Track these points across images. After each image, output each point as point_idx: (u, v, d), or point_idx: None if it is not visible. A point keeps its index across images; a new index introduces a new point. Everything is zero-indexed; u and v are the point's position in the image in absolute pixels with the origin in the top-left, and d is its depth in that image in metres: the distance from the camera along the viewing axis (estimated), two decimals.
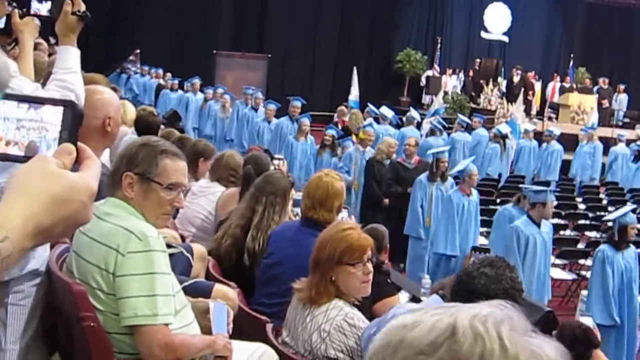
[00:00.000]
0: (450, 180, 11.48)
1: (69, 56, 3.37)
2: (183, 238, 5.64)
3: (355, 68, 22.58)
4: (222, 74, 25.74)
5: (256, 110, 17.45)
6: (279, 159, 8.43)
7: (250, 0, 27.47)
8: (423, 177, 11.33)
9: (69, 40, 3.39)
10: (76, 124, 1.28)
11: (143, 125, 7.68)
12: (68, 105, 1.28)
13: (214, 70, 25.66)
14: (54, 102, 1.30)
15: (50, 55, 10.26)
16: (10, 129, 1.28)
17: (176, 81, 21.24)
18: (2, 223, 1.13)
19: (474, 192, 10.94)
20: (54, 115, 1.27)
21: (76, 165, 1.26)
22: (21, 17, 3.99)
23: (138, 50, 25.16)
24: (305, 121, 14.83)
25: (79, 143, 1.28)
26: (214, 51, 26.30)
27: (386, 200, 12.18)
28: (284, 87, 23.96)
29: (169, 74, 22.49)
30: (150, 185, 3.43)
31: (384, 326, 3.31)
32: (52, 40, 7.23)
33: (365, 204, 12.63)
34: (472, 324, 0.91)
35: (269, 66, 26.75)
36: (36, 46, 10.81)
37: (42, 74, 6.14)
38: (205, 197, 6.77)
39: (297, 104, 15.85)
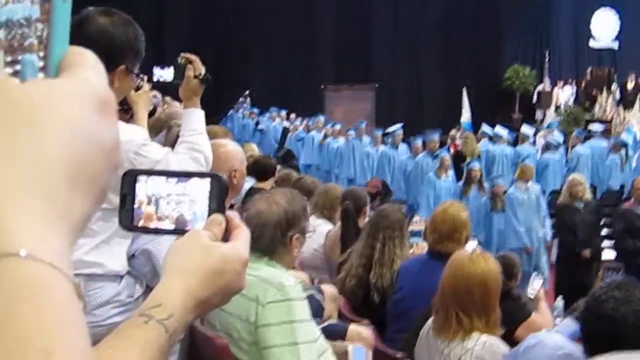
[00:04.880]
0: None
1: (194, 118, 3.48)
2: (312, 280, 5.70)
3: (464, 89, 22.43)
4: (331, 108, 25.88)
5: (396, 147, 16.84)
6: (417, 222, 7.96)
7: (351, 32, 27.63)
8: None
9: (192, 104, 3.51)
10: (223, 195, 1.32)
11: (261, 170, 7.78)
12: (214, 177, 1.32)
13: (323, 104, 25.84)
14: (200, 175, 1.35)
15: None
16: (161, 204, 1.33)
17: (304, 121, 21.19)
18: (165, 301, 1.17)
19: None
20: (201, 188, 1.32)
21: (226, 234, 1.29)
22: (135, 89, 4.17)
23: (248, 92, 25.60)
24: (446, 156, 13.89)
25: (227, 212, 1.32)
26: (322, 86, 26.53)
27: (586, 252, 10.25)
28: (393, 115, 23.92)
29: (292, 115, 22.49)
30: (304, 237, 3.59)
31: (519, 357, 3.29)
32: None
33: (562, 256, 10.84)
34: None
35: (376, 96, 26.81)
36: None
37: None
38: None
39: (435, 137, 15.31)
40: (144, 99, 4.31)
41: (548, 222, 11.72)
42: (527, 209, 11.43)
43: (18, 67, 0.72)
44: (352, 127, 18.79)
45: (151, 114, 4.64)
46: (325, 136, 19.19)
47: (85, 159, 0.66)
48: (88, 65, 0.72)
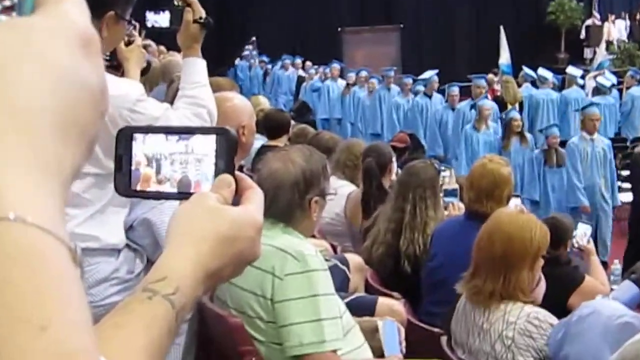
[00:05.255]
0: None
1: (195, 69, 3.47)
2: (335, 248, 5.71)
3: (501, 27, 22.22)
4: (351, 53, 25.78)
5: (430, 96, 16.67)
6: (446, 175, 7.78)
7: None
8: None
9: (193, 52, 3.50)
10: (231, 152, 1.31)
11: (273, 125, 7.76)
12: (221, 133, 1.31)
13: (341, 49, 25.71)
14: (204, 130, 1.35)
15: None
16: (162, 165, 1.32)
17: (321, 69, 21.01)
18: (171, 274, 1.15)
19: None
20: (206, 145, 1.30)
21: (236, 197, 1.28)
22: (126, 44, 4.16)
23: (254, 38, 25.51)
24: (486, 104, 13.42)
25: (237, 172, 1.31)
26: (339, 28, 26.39)
27: None
28: (422, 59, 23.78)
29: (308, 63, 22.48)
30: (324, 200, 3.61)
31: (571, 328, 3.29)
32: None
33: (634, 217, 10.38)
34: None
35: (401, 38, 26.65)
36: (145, 48, 11.28)
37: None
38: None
39: (482, 83, 14.98)
40: (136, 54, 4.30)
41: (617, 184, 11.42)
42: (591, 163, 11.03)
43: (7, 2, 0.72)
44: (375, 74, 18.66)
45: (144, 71, 4.64)
46: (348, 85, 19.01)
47: (73, 106, 0.66)
48: None
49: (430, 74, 17.22)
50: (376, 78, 18.42)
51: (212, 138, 1.31)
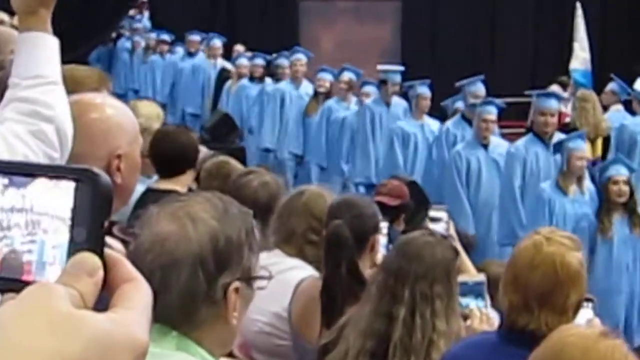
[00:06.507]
0: None
1: (40, 53, 3.43)
2: None
3: (578, 4, 22.30)
4: (313, 36, 25.77)
5: (469, 121, 15.75)
6: (438, 218, 7.72)
7: None
8: None
9: (38, 22, 3.44)
10: (100, 213, 1.29)
11: (168, 155, 7.63)
12: (84, 178, 1.28)
13: (297, 28, 25.78)
14: (55, 171, 1.32)
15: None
16: None
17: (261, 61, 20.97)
18: None
19: None
20: (56, 198, 1.29)
21: (104, 293, 1.27)
22: None
23: None
24: (579, 149, 12.69)
25: (107, 251, 1.29)
26: None
27: None
28: (436, 53, 23.86)
29: (238, 47, 22.55)
30: (250, 289, 3.62)
31: None
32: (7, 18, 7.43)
33: None
34: None
35: (403, 15, 26.74)
36: None
37: None
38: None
39: (551, 105, 13.80)
40: None
41: None
42: None
43: None
44: (369, 79, 18.53)
45: None
46: (317, 95, 18.77)
47: None
48: None
49: (473, 81, 16.39)
50: (373, 85, 18.10)
51: (69, 187, 1.29)
